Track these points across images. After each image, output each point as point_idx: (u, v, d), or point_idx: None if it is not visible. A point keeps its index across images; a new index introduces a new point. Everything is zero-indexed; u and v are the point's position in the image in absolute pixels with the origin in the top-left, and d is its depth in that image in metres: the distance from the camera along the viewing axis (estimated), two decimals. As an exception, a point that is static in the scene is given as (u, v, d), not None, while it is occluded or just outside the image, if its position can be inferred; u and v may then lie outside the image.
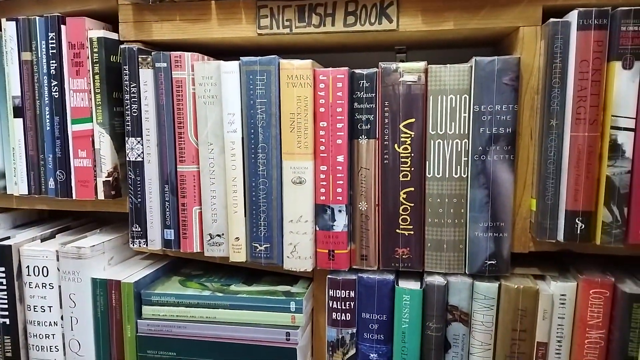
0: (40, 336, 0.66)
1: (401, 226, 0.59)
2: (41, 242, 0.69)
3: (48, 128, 0.64)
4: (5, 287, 0.66)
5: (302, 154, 0.59)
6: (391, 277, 0.60)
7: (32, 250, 0.66)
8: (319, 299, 0.64)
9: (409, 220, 0.59)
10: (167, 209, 0.63)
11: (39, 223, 0.78)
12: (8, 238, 0.68)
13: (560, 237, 0.53)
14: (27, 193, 0.67)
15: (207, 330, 0.61)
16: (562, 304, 0.55)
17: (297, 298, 0.60)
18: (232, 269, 0.72)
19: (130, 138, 0.63)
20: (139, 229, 0.64)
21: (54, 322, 0.66)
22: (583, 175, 0.52)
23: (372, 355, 0.61)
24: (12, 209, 0.76)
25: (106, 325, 0.64)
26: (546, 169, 0.53)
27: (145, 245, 0.65)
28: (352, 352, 0.61)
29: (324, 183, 0.59)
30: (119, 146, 0.65)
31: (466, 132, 0.56)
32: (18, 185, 0.67)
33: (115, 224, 0.78)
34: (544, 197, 0.54)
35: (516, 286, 0.55)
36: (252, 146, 0.59)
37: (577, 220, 0.52)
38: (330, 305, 0.61)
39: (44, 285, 0.65)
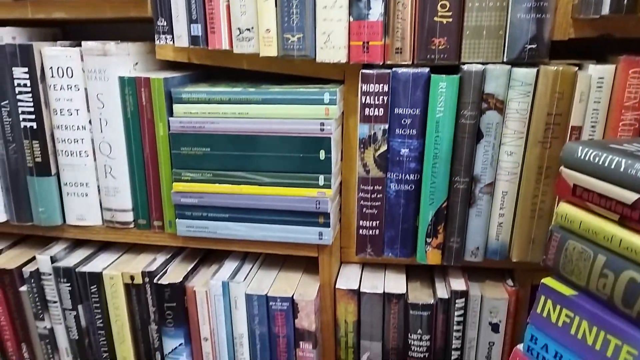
0: (69, 141, 0.66)
1: (439, 13, 0.57)
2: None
3: None
4: (29, 90, 0.65)
5: None
6: (426, 69, 0.59)
7: (55, 50, 0.63)
8: (349, 101, 0.64)
9: (448, 6, 0.57)
10: (193, 1, 0.60)
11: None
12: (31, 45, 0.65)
13: (606, 10, 0.52)
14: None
15: (240, 125, 0.61)
16: (599, 87, 0.55)
17: (331, 89, 0.60)
18: (259, 78, 0.71)
19: None
20: (164, 23, 0.62)
21: (82, 126, 0.66)
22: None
23: (403, 150, 0.62)
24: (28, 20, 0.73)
25: (137, 125, 0.64)
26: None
27: (171, 42, 0.63)
28: (384, 148, 0.62)
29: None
30: None
31: None
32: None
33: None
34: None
35: (555, 68, 0.55)
36: None
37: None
38: (363, 101, 0.61)
39: (69, 87, 0.64)
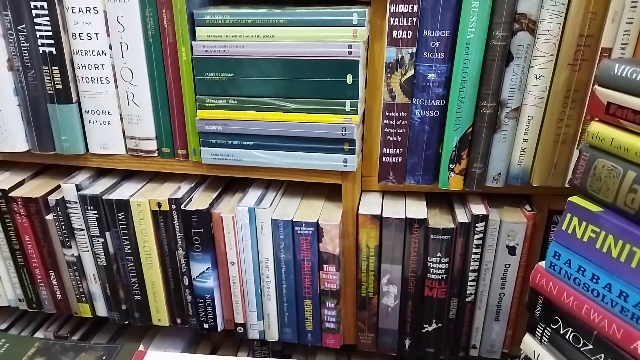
0: (89, 67, 0.65)
1: None
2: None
3: None
4: (47, 12, 0.63)
5: None
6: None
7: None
8: (375, 24, 0.63)
9: None
10: None
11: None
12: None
13: None
14: None
15: (265, 49, 0.61)
16: (634, 6, 0.54)
17: (360, 10, 0.58)
18: (282, 2, 0.68)
19: None
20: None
21: (102, 51, 0.64)
22: None
23: (430, 75, 0.61)
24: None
25: (159, 49, 0.63)
26: None
27: (193, -39, 0.61)
28: (410, 73, 0.62)
29: None
30: None
31: None
32: None
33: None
34: None
35: (591, -13, 0.54)
36: None
37: None
38: (391, 23, 0.59)
39: (87, 9, 0.62)
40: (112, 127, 0.69)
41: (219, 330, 0.76)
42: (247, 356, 0.87)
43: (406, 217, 0.67)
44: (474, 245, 0.67)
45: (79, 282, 0.77)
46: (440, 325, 0.72)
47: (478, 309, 0.72)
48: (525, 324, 0.75)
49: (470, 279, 0.69)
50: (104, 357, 0.63)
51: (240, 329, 0.76)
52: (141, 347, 0.64)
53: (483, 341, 0.75)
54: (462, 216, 0.68)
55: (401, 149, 0.66)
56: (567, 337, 0.53)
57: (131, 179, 0.76)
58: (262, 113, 0.64)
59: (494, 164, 0.65)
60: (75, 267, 0.76)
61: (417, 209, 0.69)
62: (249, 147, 0.66)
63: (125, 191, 0.72)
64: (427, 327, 0.73)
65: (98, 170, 0.76)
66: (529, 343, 0.60)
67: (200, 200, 0.71)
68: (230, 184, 0.78)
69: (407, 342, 0.75)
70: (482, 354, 0.76)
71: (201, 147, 0.67)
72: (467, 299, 0.71)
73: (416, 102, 0.63)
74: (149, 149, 0.70)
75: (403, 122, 0.65)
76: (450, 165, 0.65)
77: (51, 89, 0.67)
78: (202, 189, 0.74)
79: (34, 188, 0.75)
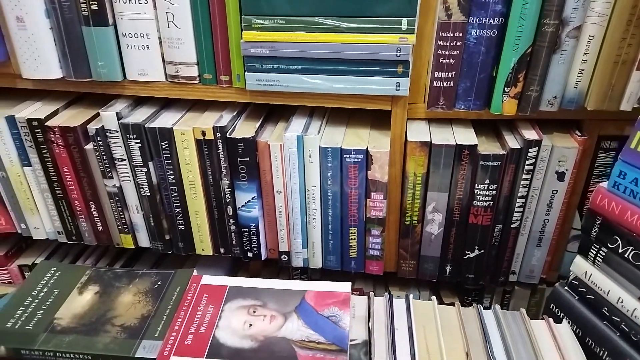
0: (128, -15, 0.62)
1: None
2: None
3: None
4: None
5: None
6: None
7: None
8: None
9: None
10: None
11: None
12: None
13: None
14: None
15: None
16: None
17: None
18: None
19: None
20: None
21: (141, -32, 0.61)
22: None
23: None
24: None
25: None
26: None
27: None
28: (470, -11, 0.59)
29: None
30: None
31: None
32: None
33: None
34: None
35: None
36: None
37: None
38: None
39: None
40: (150, 52, 0.66)
41: (262, 258, 0.77)
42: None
43: (456, 143, 0.66)
44: (524, 172, 0.67)
45: (121, 213, 0.77)
46: (482, 251, 0.74)
47: (521, 236, 0.73)
48: (564, 249, 0.77)
49: (517, 205, 0.69)
50: (159, 282, 0.63)
51: (284, 257, 0.77)
52: (195, 272, 0.64)
53: (522, 267, 0.76)
54: (512, 142, 0.67)
55: (454, 73, 0.64)
56: (626, 255, 0.54)
57: (170, 107, 0.74)
58: (311, 34, 0.61)
59: (550, 87, 0.63)
60: (117, 198, 0.75)
61: (466, 136, 0.68)
62: (297, 71, 0.64)
63: (167, 120, 0.70)
64: (469, 254, 0.74)
65: (136, 99, 0.74)
66: (580, 264, 0.61)
67: (244, 129, 0.69)
68: (271, 113, 0.76)
69: (448, 268, 0.76)
70: (520, 279, 0.78)
71: (246, 73, 0.65)
72: (512, 225, 0.71)
73: (473, 20, 0.61)
74: (190, 75, 0.67)
75: (458, 44, 0.62)
76: (506, 88, 0.63)
77: (86, 10, 0.63)
78: (244, 117, 0.72)
79: (70, 117, 0.73)
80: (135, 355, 0.53)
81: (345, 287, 0.61)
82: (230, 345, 0.54)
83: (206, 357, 0.52)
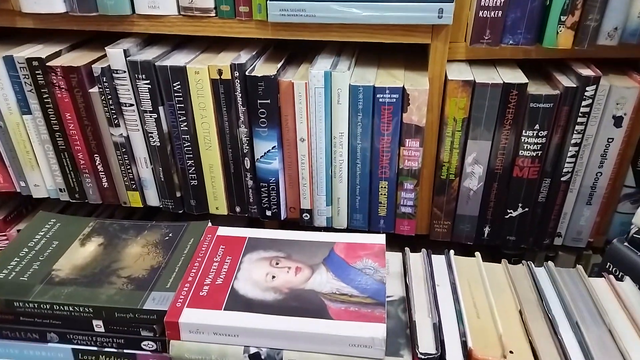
0: None
1: None
2: None
3: None
4: None
5: None
6: None
7: None
8: None
9: None
10: None
11: None
12: None
13: None
14: None
15: None
16: None
17: None
18: None
19: None
20: None
21: None
22: None
23: None
24: None
25: None
26: None
27: None
28: None
29: None
30: None
31: None
32: None
33: None
34: None
35: None
36: None
37: None
38: None
39: None
40: (162, -19, 0.60)
41: (282, 218, 0.70)
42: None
43: (503, 82, 0.59)
44: (579, 115, 0.60)
45: (128, 167, 0.70)
46: (526, 210, 0.66)
47: (570, 192, 0.66)
48: (614, 210, 0.70)
49: (569, 154, 0.62)
50: (170, 234, 0.57)
51: (306, 216, 0.70)
52: (210, 224, 0.58)
53: (569, 229, 0.69)
54: (566, 82, 0.60)
55: (503, 1, 0.57)
56: None
57: (183, 48, 0.67)
58: (343, -46, 0.55)
59: (611, 16, 0.56)
60: (124, 150, 0.69)
61: (513, 75, 0.61)
62: (325, -1, 0.57)
63: (179, 59, 0.63)
64: (511, 213, 0.67)
65: (145, 39, 0.67)
66: (645, 215, 0.55)
67: (264, 69, 0.63)
68: (292, 57, 0.69)
69: (487, 229, 0.69)
70: (566, 242, 0.70)
71: (268, 2, 0.58)
72: (562, 179, 0.64)
73: (527, -62, 0.54)
74: (205, 7, 0.60)
75: (508, -34, 0.55)
76: (562, 17, 0.56)
77: None
78: (264, 59, 0.66)
79: (75, 58, 0.66)
80: (144, 307, 0.47)
81: (380, 238, 0.54)
82: (251, 297, 0.47)
83: (224, 310, 0.46)
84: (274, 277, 0.50)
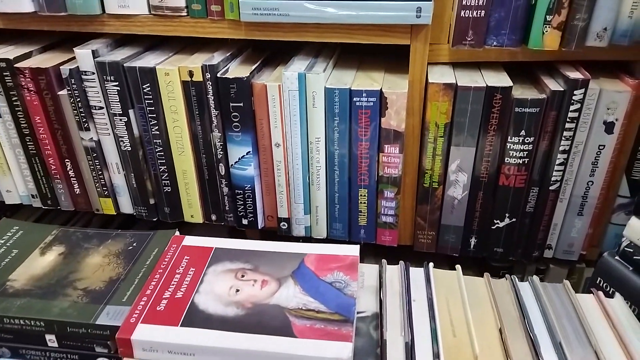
0: None
1: None
2: None
3: None
4: None
5: None
6: None
7: None
8: None
9: None
10: None
11: None
12: None
13: None
14: None
15: None
16: None
17: None
18: None
19: None
20: None
21: None
22: None
23: None
24: None
25: None
26: None
27: None
28: None
29: None
30: None
31: None
32: None
33: None
34: None
35: None
36: None
37: None
38: None
39: None
40: (131, -21, 0.58)
41: (259, 227, 0.67)
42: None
43: (487, 85, 0.57)
44: (567, 120, 0.57)
45: (100, 173, 0.68)
46: (514, 220, 0.63)
47: (560, 202, 0.63)
48: (607, 221, 0.67)
49: (557, 162, 0.59)
50: (134, 244, 0.54)
51: (283, 225, 0.67)
52: (177, 233, 0.56)
53: (560, 240, 0.66)
54: (553, 85, 0.57)
55: (485, 0, 0.55)
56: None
57: (154, 50, 0.65)
58: (316, -49, 0.52)
59: (600, 16, 0.53)
60: (94, 155, 0.66)
61: (498, 79, 0.58)
62: (299, -3, 0.55)
63: (150, 60, 0.61)
64: (498, 223, 0.64)
65: (118, 39, 0.65)
66: (636, 227, 0.51)
67: (238, 71, 0.60)
68: (271, 58, 0.67)
69: (473, 240, 0.66)
70: (557, 255, 0.67)
71: (240, 0, 0.56)
72: (550, 187, 0.61)
73: None
74: (176, 5, 0.58)
75: (490, -37, 0.53)
76: (548, 17, 0.53)
77: None
78: (239, 61, 0.63)
79: (44, 60, 0.64)
80: (96, 322, 0.44)
81: (353, 249, 0.51)
82: (211, 312, 0.44)
83: (181, 326, 0.43)
84: (237, 290, 0.47)
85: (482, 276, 0.73)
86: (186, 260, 0.51)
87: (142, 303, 0.45)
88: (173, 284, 0.48)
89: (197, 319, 0.44)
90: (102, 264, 0.51)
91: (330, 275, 0.49)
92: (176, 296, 0.46)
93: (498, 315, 0.47)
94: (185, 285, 0.47)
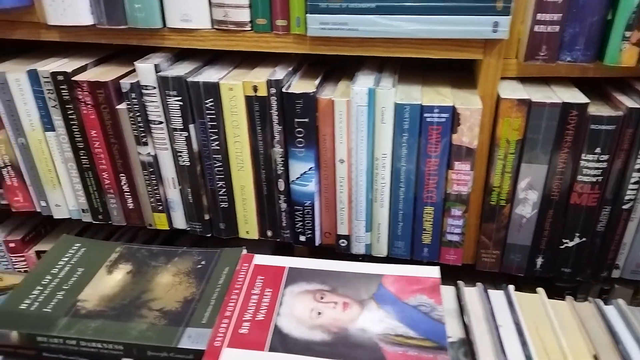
0: None
1: None
2: None
3: None
4: None
5: None
6: None
7: None
8: None
9: None
10: None
11: None
12: None
13: None
14: None
15: None
16: None
17: None
18: None
19: None
20: None
21: None
22: None
23: None
24: None
25: None
26: None
27: None
28: None
29: None
30: None
31: None
32: None
33: None
34: None
35: None
36: None
37: None
38: None
39: None
40: (197, -7, 0.57)
41: (316, 244, 0.66)
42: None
43: (562, 102, 0.55)
44: (645, 137, 0.56)
45: (155, 188, 0.67)
46: (584, 239, 0.61)
47: (631, 221, 0.61)
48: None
49: (632, 181, 0.58)
50: (202, 262, 0.53)
51: (342, 242, 0.66)
52: (245, 251, 0.54)
53: (629, 260, 0.63)
54: (629, 102, 0.56)
55: (560, 15, 0.53)
56: None
57: (214, 64, 0.64)
58: (392, -36, 0.51)
59: (683, 31, 0.52)
60: (151, 169, 0.65)
61: (572, 94, 0.57)
62: (369, 11, 0.53)
63: (212, 75, 0.60)
64: (567, 243, 0.62)
65: (176, 54, 0.64)
66: None
67: (302, 85, 0.59)
68: (332, 71, 0.66)
69: (540, 260, 0.64)
70: (624, 275, 0.65)
71: (307, 15, 0.55)
72: (623, 207, 0.59)
73: (591, -53, 0.50)
74: (240, 20, 0.57)
75: (568, -23, 0.52)
76: (626, 33, 0.52)
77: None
78: (300, 75, 0.62)
79: (101, 73, 0.63)
80: (179, 346, 0.43)
81: (433, 271, 0.49)
82: (296, 336, 0.43)
83: (269, 350, 0.42)
84: (319, 313, 0.46)
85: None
86: (261, 281, 0.49)
87: (224, 325, 0.44)
88: (252, 306, 0.46)
89: (284, 343, 0.42)
90: (174, 283, 0.50)
91: (413, 298, 0.47)
92: (257, 318, 0.45)
93: (590, 341, 0.45)
94: (265, 307, 0.46)
